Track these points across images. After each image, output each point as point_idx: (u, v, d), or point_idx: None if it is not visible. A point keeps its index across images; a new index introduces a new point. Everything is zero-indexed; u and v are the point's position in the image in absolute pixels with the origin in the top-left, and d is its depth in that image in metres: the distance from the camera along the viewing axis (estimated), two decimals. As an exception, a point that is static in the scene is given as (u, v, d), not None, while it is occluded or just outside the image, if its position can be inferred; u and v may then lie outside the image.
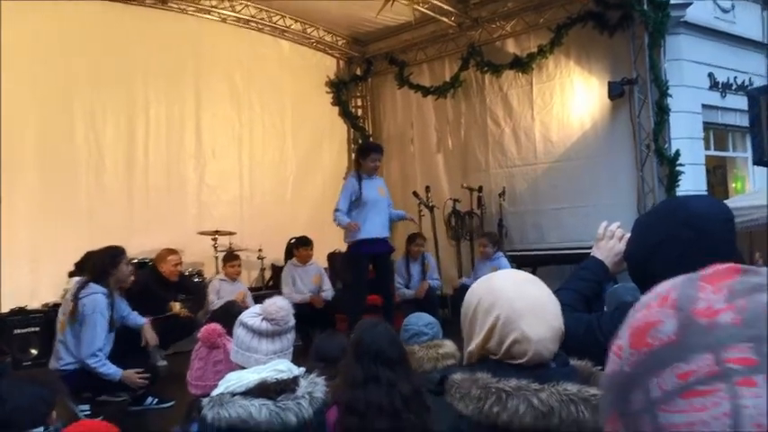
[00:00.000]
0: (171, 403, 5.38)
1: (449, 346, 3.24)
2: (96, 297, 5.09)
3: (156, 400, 5.48)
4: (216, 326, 2.80)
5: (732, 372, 0.53)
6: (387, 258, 7.34)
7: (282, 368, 2.29)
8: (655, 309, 0.60)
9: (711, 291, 0.58)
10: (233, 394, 2.19)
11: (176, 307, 6.51)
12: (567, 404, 1.35)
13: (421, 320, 3.37)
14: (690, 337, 0.56)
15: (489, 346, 1.46)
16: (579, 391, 1.37)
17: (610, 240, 2.01)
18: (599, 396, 0.63)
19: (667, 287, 0.61)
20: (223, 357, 2.69)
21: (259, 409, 2.13)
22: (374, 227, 6.95)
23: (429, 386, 2.57)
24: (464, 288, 7.71)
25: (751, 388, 0.51)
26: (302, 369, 2.38)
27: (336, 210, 6.95)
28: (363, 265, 7.06)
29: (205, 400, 2.23)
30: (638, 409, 0.57)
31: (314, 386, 2.27)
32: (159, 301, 6.48)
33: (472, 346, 1.50)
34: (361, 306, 6.96)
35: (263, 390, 2.19)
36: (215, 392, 2.25)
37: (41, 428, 2.39)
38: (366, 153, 7.21)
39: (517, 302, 1.46)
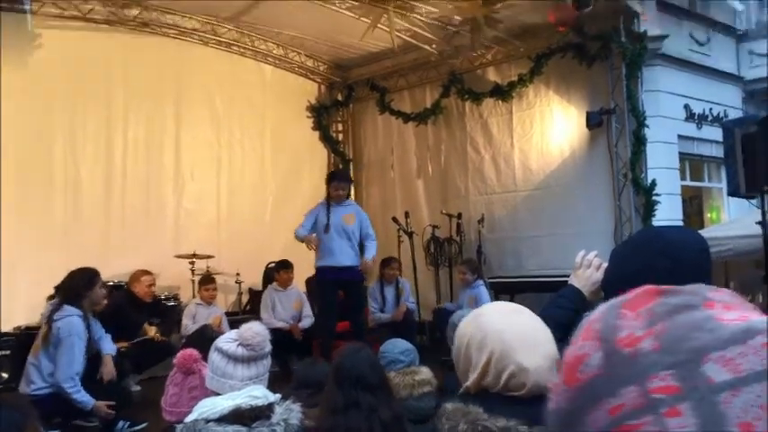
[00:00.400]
0: (143, 425, 5.29)
1: (425, 372, 3.23)
2: (72, 320, 4.99)
3: (128, 423, 5.37)
4: (192, 351, 2.76)
5: (658, 402, 0.51)
6: (356, 286, 7.34)
7: (258, 394, 2.25)
8: (580, 342, 0.58)
9: (632, 317, 0.57)
10: (207, 421, 2.14)
11: (151, 331, 6.43)
12: None
13: (397, 348, 3.36)
14: (615, 369, 0.54)
15: (486, 382, 1.44)
16: None
17: (587, 269, 2.01)
18: None
19: (592, 317, 0.60)
20: (199, 383, 2.64)
21: (232, 437, 2.09)
22: (338, 255, 7.00)
23: (407, 414, 2.55)
24: (442, 312, 7.71)
25: (677, 418, 0.50)
26: (278, 396, 2.34)
27: (299, 226, 7.07)
28: (329, 291, 7.13)
29: (179, 427, 2.19)
30: None
31: (289, 413, 2.23)
32: (132, 323, 6.42)
33: (469, 382, 1.48)
34: (330, 331, 7.06)
35: (238, 416, 2.14)
36: (188, 419, 2.20)
37: None
38: (330, 180, 7.38)
39: (507, 335, 1.44)
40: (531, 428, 1.34)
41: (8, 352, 6.99)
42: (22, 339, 6.91)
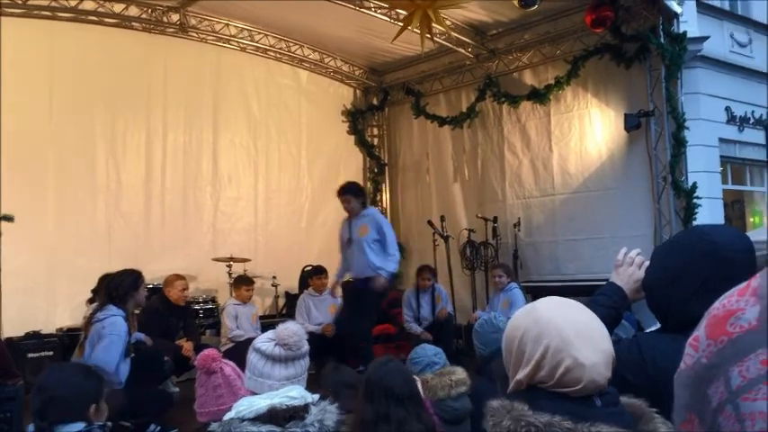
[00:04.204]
0: (174, 431, 5.33)
1: (460, 372, 3.24)
2: (116, 319, 4.95)
3: (160, 428, 5.40)
4: (210, 351, 2.78)
5: None
6: (359, 294, 7.07)
7: (295, 395, 2.25)
8: (735, 298, 0.59)
9: None
10: (242, 420, 2.16)
11: (187, 346, 6.44)
12: None
13: (429, 351, 3.42)
14: None
15: (540, 376, 1.41)
16: None
17: (629, 267, 1.98)
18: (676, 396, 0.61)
19: (753, 277, 0.61)
20: (221, 381, 2.66)
21: (265, 436, 2.10)
22: (352, 267, 7.12)
23: (444, 415, 2.53)
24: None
25: None
26: (316, 396, 2.34)
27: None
28: (351, 299, 7.34)
29: (214, 425, 2.20)
30: (719, 402, 0.55)
31: (324, 414, 2.22)
32: (166, 326, 6.51)
33: (521, 375, 1.44)
34: (363, 336, 7.09)
35: (273, 416, 2.15)
36: (225, 417, 2.22)
37: (83, 424, 2.33)
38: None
39: (565, 330, 1.40)
40: (575, 424, 1.31)
41: (51, 353, 7.12)
42: (65, 341, 7.06)
